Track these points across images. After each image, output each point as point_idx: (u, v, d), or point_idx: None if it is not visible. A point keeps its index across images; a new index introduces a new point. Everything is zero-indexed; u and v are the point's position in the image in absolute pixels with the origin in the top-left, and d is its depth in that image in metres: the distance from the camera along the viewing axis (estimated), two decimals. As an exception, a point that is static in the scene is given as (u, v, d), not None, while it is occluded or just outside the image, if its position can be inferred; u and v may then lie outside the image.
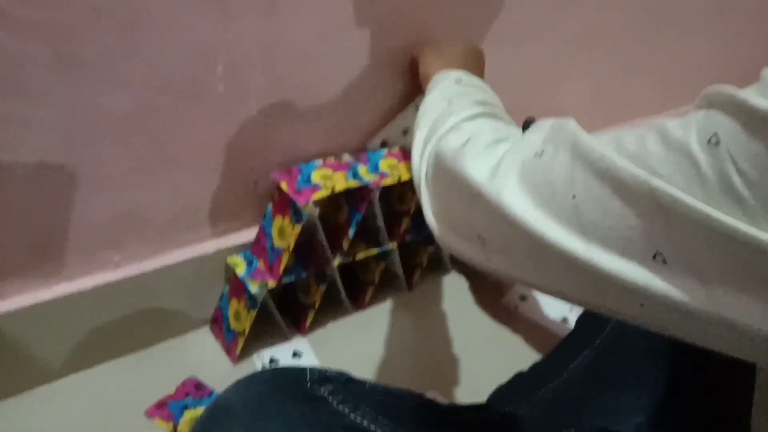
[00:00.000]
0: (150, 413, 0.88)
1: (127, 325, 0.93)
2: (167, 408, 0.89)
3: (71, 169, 0.77)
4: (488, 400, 0.88)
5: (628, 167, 0.39)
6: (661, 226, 0.38)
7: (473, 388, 0.94)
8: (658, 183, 0.37)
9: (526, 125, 0.61)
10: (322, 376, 0.61)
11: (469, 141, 0.60)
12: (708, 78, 1.63)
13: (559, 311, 1.14)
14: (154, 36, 0.74)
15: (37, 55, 0.68)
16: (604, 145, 0.43)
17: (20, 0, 0.64)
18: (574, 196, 0.43)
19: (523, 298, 1.17)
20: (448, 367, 1.01)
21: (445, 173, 0.60)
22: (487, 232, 0.53)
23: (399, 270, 1.08)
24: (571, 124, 0.48)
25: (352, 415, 0.58)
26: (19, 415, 0.86)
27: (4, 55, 0.66)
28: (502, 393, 0.88)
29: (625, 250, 0.40)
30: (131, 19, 0.71)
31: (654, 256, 0.39)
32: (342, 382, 0.62)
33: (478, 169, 0.54)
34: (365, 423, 0.58)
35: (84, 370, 0.93)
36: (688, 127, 0.38)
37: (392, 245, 1.03)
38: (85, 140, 0.76)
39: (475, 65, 0.89)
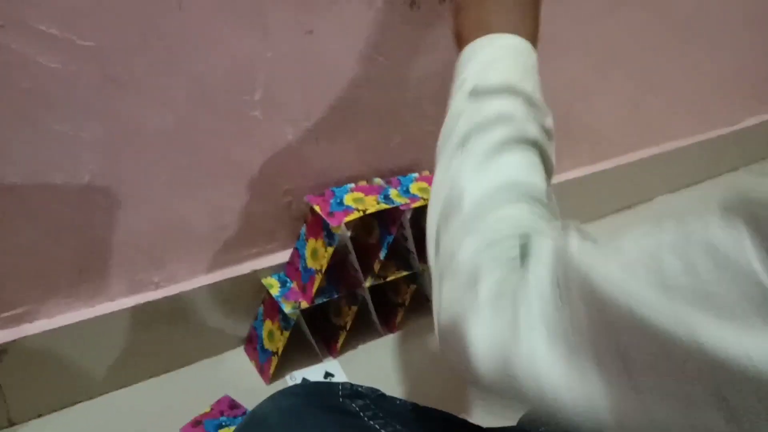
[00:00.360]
0: (184, 431, 0.90)
1: (164, 344, 0.96)
2: (202, 426, 0.91)
3: (116, 188, 0.81)
4: (519, 422, 0.88)
5: (666, 322, 0.31)
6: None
7: (504, 410, 0.94)
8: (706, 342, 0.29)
9: None
10: (354, 391, 0.63)
11: (473, 280, 0.44)
12: (742, 97, 1.62)
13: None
14: (197, 56, 0.77)
15: (89, 77, 0.72)
16: (635, 274, 0.33)
17: (73, 25, 0.68)
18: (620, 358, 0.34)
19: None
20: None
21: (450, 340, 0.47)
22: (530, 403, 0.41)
23: (430, 293, 1.09)
24: (574, 259, 0.38)
25: (383, 431, 0.59)
26: (62, 429, 0.88)
27: (59, 79, 0.70)
28: (533, 414, 0.88)
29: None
30: (176, 39, 0.75)
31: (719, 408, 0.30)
32: (373, 399, 0.63)
33: (485, 336, 0.42)
34: None
35: (123, 387, 0.95)
36: (739, 239, 0.30)
37: (423, 267, 1.04)
38: (129, 158, 0.80)
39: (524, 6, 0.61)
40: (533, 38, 0.60)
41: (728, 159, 1.78)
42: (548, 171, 0.53)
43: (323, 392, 0.62)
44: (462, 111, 0.54)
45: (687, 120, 1.59)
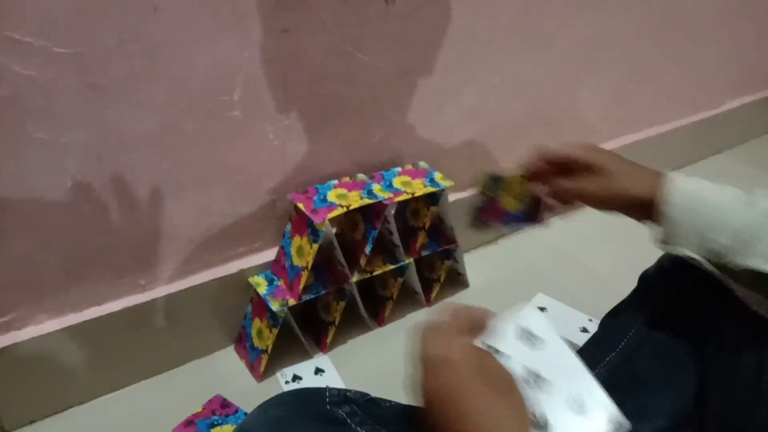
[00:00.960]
0: (177, 431, 0.90)
1: (154, 346, 0.96)
2: (195, 426, 0.91)
3: (99, 193, 0.81)
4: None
5: None
6: None
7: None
8: None
9: None
10: (341, 397, 0.63)
11: None
12: (723, 82, 1.63)
13: (579, 321, 1.15)
14: (174, 58, 0.78)
15: (67, 83, 0.72)
16: None
17: (48, 32, 0.68)
18: None
19: (542, 309, 1.18)
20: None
21: None
22: None
23: (417, 285, 1.10)
24: None
25: None
26: (54, 435, 0.89)
27: (36, 86, 0.70)
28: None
29: None
30: (154, 44, 0.75)
31: None
32: (361, 404, 0.63)
33: None
34: None
35: (115, 390, 0.96)
36: None
37: (409, 260, 1.05)
38: (111, 163, 0.80)
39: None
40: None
41: (712, 142, 1.80)
42: None
43: (311, 400, 0.62)
44: None
45: (670, 105, 1.60)
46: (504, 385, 0.51)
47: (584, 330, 1.12)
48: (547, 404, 0.55)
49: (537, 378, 0.56)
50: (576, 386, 0.57)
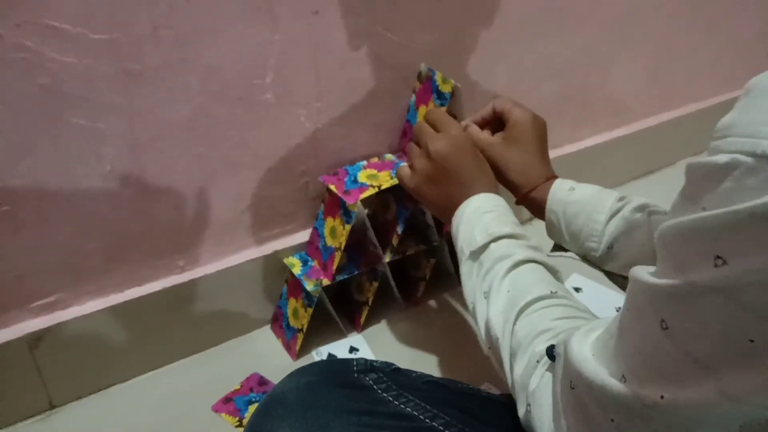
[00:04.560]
0: (216, 408, 0.93)
1: (193, 325, 0.99)
2: (233, 403, 0.94)
3: (137, 177, 0.83)
4: None
5: None
6: None
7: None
8: None
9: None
10: (368, 366, 0.65)
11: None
12: (763, 55, 1.59)
13: (616, 302, 1.14)
14: (207, 44, 0.79)
15: (104, 70, 0.74)
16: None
17: (84, 19, 0.70)
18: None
19: (577, 290, 1.17)
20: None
21: None
22: None
23: (450, 265, 1.10)
24: (572, 369, 0.47)
25: (395, 402, 0.61)
26: (100, 410, 0.93)
27: (74, 73, 0.72)
28: None
29: None
30: (187, 29, 0.77)
31: None
32: (387, 372, 0.65)
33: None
34: (408, 409, 0.60)
35: (155, 369, 0.99)
36: None
37: (441, 241, 1.05)
38: (147, 148, 0.82)
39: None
40: (493, 185, 0.77)
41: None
42: (551, 270, 0.66)
43: (339, 369, 0.64)
44: (470, 270, 0.69)
45: (708, 82, 1.56)
46: (480, 158, 0.77)
47: (618, 310, 1.11)
48: None
49: None
50: None
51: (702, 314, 0.35)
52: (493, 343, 0.63)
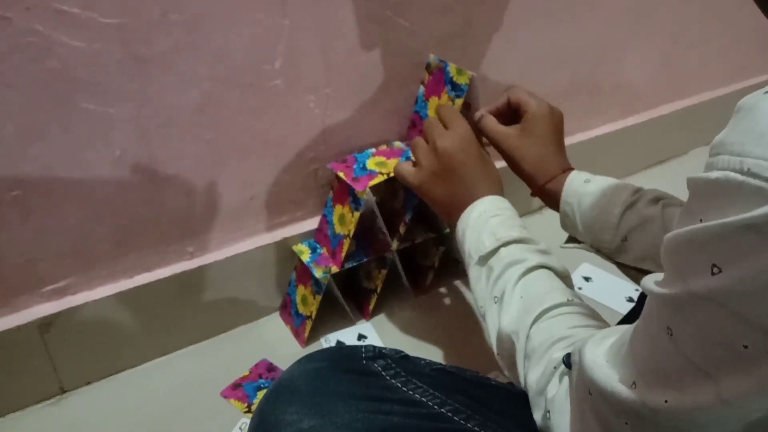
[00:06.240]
0: (225, 394, 0.93)
1: (202, 311, 0.99)
2: (242, 389, 0.94)
3: (146, 163, 0.83)
4: None
5: None
6: None
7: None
8: None
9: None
10: (377, 353, 0.65)
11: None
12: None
13: (625, 291, 1.13)
14: (216, 28, 0.79)
15: (113, 55, 0.74)
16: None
17: (96, 3, 0.70)
18: None
19: (587, 279, 1.17)
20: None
21: None
22: None
23: (458, 254, 1.10)
24: (586, 375, 0.48)
25: (404, 389, 0.61)
26: (111, 395, 0.93)
27: (84, 57, 0.72)
28: None
29: None
30: (196, 14, 0.76)
31: None
32: (396, 359, 0.65)
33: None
34: (416, 396, 0.60)
35: (165, 354, 0.99)
36: None
37: (450, 229, 1.05)
38: (157, 133, 0.82)
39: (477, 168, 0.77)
40: (498, 186, 0.77)
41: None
42: (561, 275, 0.67)
43: (347, 355, 0.64)
44: (479, 275, 0.69)
45: (720, 70, 1.55)
46: (485, 159, 0.77)
47: (630, 300, 1.11)
48: None
49: None
50: None
51: (701, 320, 0.37)
52: (504, 347, 0.64)
